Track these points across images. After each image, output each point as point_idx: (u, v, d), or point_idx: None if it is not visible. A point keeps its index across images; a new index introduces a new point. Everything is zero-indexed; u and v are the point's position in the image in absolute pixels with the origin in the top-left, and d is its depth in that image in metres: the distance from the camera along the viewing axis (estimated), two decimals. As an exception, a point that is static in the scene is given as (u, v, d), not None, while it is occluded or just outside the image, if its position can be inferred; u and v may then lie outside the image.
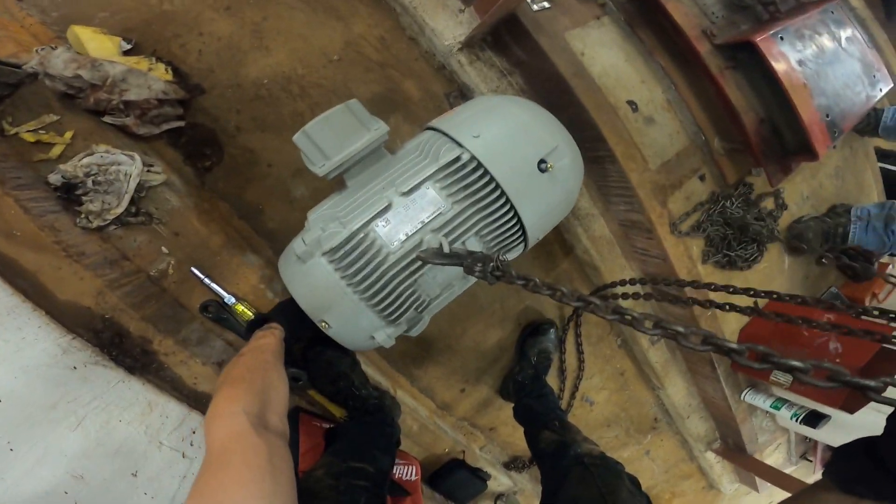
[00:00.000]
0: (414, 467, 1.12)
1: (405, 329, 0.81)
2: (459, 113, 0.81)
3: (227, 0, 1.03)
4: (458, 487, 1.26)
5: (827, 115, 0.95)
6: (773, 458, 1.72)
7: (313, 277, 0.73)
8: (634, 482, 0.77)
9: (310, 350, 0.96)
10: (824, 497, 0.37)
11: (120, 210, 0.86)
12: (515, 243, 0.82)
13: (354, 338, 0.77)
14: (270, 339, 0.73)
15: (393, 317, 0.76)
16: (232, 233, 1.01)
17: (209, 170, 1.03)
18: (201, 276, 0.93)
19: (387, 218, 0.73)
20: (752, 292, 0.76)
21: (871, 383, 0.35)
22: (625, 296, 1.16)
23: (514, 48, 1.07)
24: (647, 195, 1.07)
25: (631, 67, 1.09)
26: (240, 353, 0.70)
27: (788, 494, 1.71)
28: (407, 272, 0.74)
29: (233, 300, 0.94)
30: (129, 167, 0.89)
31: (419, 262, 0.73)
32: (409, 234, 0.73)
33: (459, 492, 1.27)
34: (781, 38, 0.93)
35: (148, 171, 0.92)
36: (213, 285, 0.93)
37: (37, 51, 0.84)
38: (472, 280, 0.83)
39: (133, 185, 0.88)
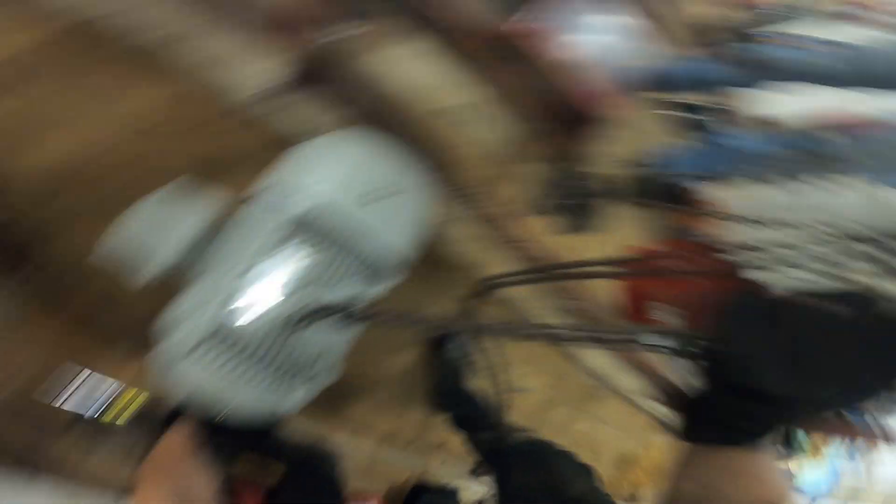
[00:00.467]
0: (373, 502, 1.10)
1: (310, 389, 0.74)
2: (287, 165, 0.82)
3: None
4: (430, 509, 1.23)
5: (602, 82, 1.11)
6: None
7: (191, 377, 0.66)
8: (568, 456, 0.78)
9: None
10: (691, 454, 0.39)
11: None
12: (387, 272, 0.83)
13: (259, 415, 0.70)
14: (176, 435, 0.67)
15: (289, 381, 0.70)
16: (83, 334, 0.95)
17: (27, 278, 0.93)
18: (66, 383, 0.92)
19: (245, 295, 0.70)
20: (611, 262, 0.74)
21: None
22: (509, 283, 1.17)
23: (321, 84, 1.09)
24: (486, 188, 1.14)
25: (436, 76, 1.18)
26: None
27: None
28: (283, 337, 0.70)
29: (108, 398, 0.92)
30: None
31: (290, 329, 0.69)
32: (274, 300, 0.68)
33: (434, 512, 1.24)
34: (534, 20, 1.09)
35: None
36: (79, 390, 0.91)
37: None
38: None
39: None
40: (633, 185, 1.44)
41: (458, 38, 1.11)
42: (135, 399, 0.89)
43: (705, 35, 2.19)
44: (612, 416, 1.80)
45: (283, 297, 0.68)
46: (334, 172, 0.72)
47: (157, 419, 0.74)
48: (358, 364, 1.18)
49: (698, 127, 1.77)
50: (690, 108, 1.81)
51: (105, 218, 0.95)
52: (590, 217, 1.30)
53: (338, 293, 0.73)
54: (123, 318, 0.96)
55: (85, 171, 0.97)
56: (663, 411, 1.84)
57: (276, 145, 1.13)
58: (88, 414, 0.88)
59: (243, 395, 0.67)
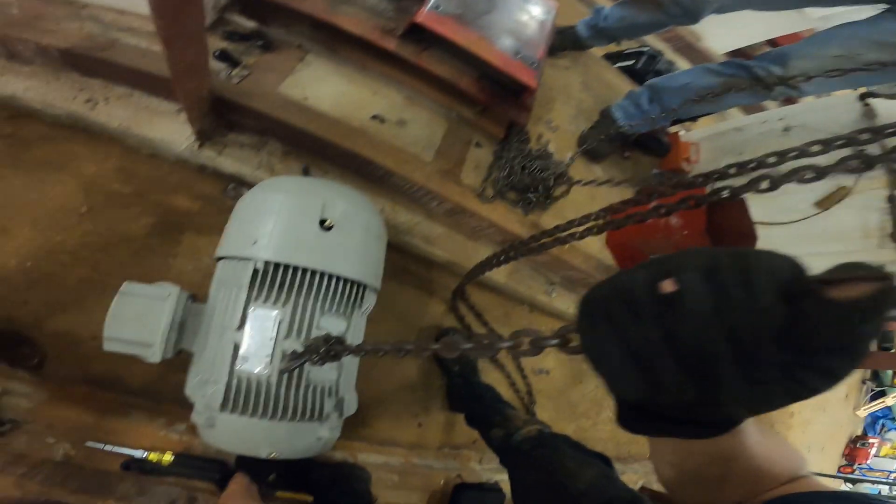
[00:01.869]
0: None
1: (339, 415, 0.85)
2: (229, 230, 0.85)
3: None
4: (475, 508, 1.22)
5: (517, 53, 1.11)
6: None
7: (230, 431, 0.77)
8: (579, 447, 0.76)
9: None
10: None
11: None
12: (361, 295, 0.85)
13: (303, 449, 0.82)
14: (234, 485, 0.83)
15: (317, 415, 0.80)
16: (103, 405, 0.96)
17: (40, 366, 0.95)
18: (101, 446, 0.91)
19: (243, 356, 0.76)
20: (589, 218, 0.75)
21: (554, 341, 0.31)
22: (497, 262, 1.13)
23: (245, 122, 1.10)
24: (439, 184, 1.13)
25: (357, 87, 1.18)
26: None
27: None
28: (294, 380, 0.78)
29: (142, 453, 0.92)
30: None
31: (281, 366, 0.76)
32: (269, 354, 0.76)
33: (480, 511, 1.23)
34: (438, 7, 1.08)
35: None
36: (117, 449, 0.91)
37: None
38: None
39: None
40: (597, 141, 1.42)
41: (370, 44, 1.11)
42: (161, 458, 0.92)
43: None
44: None
45: (272, 350, 0.74)
46: (271, 224, 0.77)
47: (222, 476, 0.88)
48: (366, 382, 1.13)
49: (642, 72, 1.75)
50: (629, 56, 1.80)
51: (83, 300, 0.96)
52: (550, 190, 1.28)
53: (322, 331, 0.77)
54: (137, 382, 0.98)
55: (52, 261, 0.97)
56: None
57: (223, 193, 1.15)
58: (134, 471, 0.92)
59: (281, 432, 0.75)
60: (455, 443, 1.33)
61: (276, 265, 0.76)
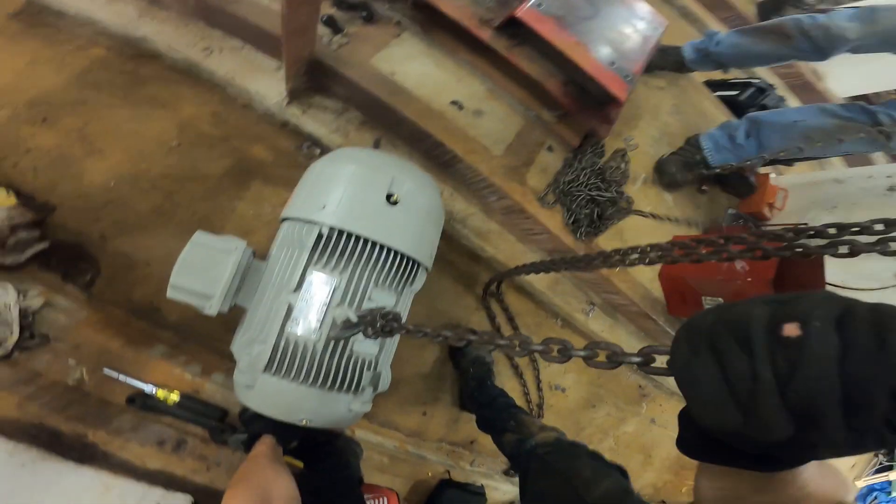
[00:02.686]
0: (386, 498, 1.07)
1: (373, 389, 0.86)
2: (299, 193, 0.88)
3: (42, 112, 1.05)
4: (453, 508, 1.21)
5: (612, 63, 1.06)
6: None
7: (269, 394, 0.79)
8: (597, 457, 0.74)
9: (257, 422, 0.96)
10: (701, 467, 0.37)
11: (15, 338, 0.89)
12: (415, 273, 0.87)
13: (335, 419, 0.84)
14: (262, 447, 0.82)
15: (353, 387, 0.82)
16: (133, 333, 1.01)
17: (92, 283, 1.02)
18: (116, 375, 0.95)
19: (294, 318, 0.78)
20: (650, 248, 0.70)
21: (637, 359, 0.35)
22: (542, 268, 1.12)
23: (334, 88, 1.15)
24: (502, 179, 1.12)
25: (443, 71, 1.19)
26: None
27: None
28: (339, 349, 0.80)
29: (153, 389, 0.96)
30: (5, 298, 0.90)
31: (331, 333, 0.78)
32: (320, 319, 0.78)
33: (457, 511, 1.22)
34: (540, 6, 1.05)
35: (24, 298, 0.92)
36: (130, 380, 0.95)
37: None
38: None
39: (16, 313, 0.90)
40: (675, 166, 1.33)
41: (465, 31, 1.11)
42: (168, 397, 0.96)
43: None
44: (665, 417, 1.63)
45: (333, 311, 0.76)
46: (341, 192, 0.80)
47: (250, 437, 0.88)
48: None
49: (745, 105, 1.61)
50: (734, 85, 1.65)
51: (151, 226, 1.06)
52: (606, 214, 1.22)
53: (373, 303, 0.80)
54: (172, 316, 1.05)
55: (133, 185, 1.07)
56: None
57: (297, 149, 1.23)
58: (137, 406, 0.95)
59: (316, 400, 0.77)
60: (454, 440, 1.33)
61: (340, 232, 0.77)
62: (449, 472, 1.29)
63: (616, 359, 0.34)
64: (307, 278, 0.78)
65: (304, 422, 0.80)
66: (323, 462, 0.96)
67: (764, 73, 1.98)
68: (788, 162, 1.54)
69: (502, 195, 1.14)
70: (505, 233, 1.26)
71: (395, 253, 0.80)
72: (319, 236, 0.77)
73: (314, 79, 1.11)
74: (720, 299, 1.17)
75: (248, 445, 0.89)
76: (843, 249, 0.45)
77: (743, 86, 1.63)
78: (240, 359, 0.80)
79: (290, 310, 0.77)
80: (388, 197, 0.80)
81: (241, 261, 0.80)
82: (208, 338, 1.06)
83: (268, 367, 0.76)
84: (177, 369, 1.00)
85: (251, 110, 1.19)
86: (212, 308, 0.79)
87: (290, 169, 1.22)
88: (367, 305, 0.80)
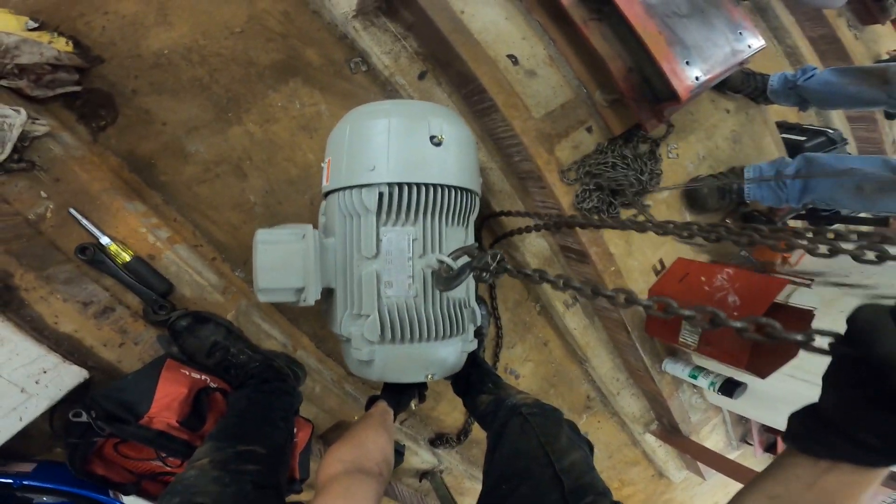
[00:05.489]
0: (305, 431, 1.04)
1: (472, 325, 0.89)
2: (340, 162, 0.84)
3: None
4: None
5: (687, 63, 1.00)
6: (712, 440, 1.67)
7: (388, 362, 0.81)
8: (573, 427, 0.77)
9: (187, 336, 0.96)
10: (790, 461, 0.36)
11: (2, 157, 0.88)
12: (473, 203, 0.88)
13: (452, 365, 0.86)
14: (374, 409, 0.90)
15: (460, 330, 0.84)
16: (118, 183, 1.02)
17: (103, 129, 1.07)
18: (79, 217, 0.93)
19: (386, 282, 0.79)
20: (671, 224, 0.67)
21: (738, 324, 0.36)
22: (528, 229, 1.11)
23: (402, 12, 1.14)
24: (532, 141, 1.11)
25: (511, 24, 1.15)
26: None
27: (733, 481, 1.58)
28: (437, 299, 0.81)
29: (108, 241, 0.94)
30: (13, 119, 0.91)
31: (441, 286, 0.77)
32: (410, 275, 0.79)
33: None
34: None
35: (33, 122, 0.93)
36: (90, 226, 0.94)
37: (-55, 31, 0.90)
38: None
39: (16, 134, 0.90)
40: (709, 189, 1.29)
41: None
42: (119, 255, 0.94)
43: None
44: (599, 436, 1.68)
45: (419, 264, 0.77)
46: (386, 149, 0.77)
47: (369, 398, 0.96)
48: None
49: (807, 148, 1.51)
50: (805, 131, 1.55)
51: (185, 93, 1.09)
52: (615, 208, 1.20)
53: (451, 241, 0.81)
54: (164, 177, 1.08)
55: (185, 56, 1.10)
56: (654, 446, 1.69)
57: (346, 62, 1.23)
58: (85, 258, 0.91)
59: (434, 351, 0.80)
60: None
61: (401, 186, 0.76)
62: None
63: (777, 334, 0.34)
64: (383, 239, 0.78)
65: (429, 377, 0.82)
66: (266, 383, 0.93)
67: (840, 126, 1.84)
68: (827, 219, 1.47)
69: (526, 157, 1.13)
70: (515, 198, 1.26)
71: (454, 189, 0.80)
72: (381, 196, 0.76)
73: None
74: (699, 329, 1.18)
75: (153, 306, 0.91)
76: (871, 256, 0.45)
77: (814, 133, 1.53)
78: (352, 336, 0.81)
79: (379, 277, 0.77)
80: (432, 138, 0.80)
81: (315, 243, 0.79)
82: (189, 208, 1.10)
83: (382, 337, 0.77)
84: (143, 229, 0.97)
85: (318, 17, 1.20)
86: (308, 299, 0.78)
87: (332, 77, 1.24)
88: (445, 248, 0.80)
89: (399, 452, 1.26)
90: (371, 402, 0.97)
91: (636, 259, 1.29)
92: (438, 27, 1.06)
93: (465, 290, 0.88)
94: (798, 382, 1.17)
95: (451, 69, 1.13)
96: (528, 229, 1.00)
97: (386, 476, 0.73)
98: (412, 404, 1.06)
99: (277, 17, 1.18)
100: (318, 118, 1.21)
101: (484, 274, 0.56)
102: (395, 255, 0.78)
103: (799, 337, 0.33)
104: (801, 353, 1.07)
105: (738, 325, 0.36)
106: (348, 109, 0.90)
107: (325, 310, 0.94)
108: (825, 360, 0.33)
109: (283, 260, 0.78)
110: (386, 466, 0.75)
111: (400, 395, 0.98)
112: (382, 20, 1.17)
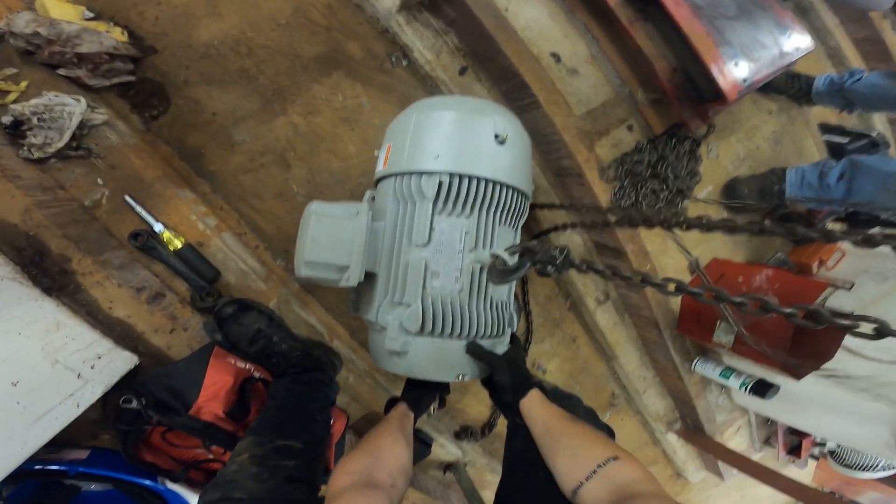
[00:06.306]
0: (334, 419, 1.05)
1: (510, 330, 0.87)
2: (402, 148, 0.83)
3: (183, -25, 1.11)
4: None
5: (735, 63, 0.99)
6: (735, 442, 1.67)
7: (423, 355, 0.79)
8: (592, 413, 0.77)
9: (231, 323, 0.96)
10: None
11: (61, 144, 0.91)
12: (524, 209, 0.88)
13: (483, 369, 0.84)
14: (393, 413, 0.84)
15: (500, 332, 0.81)
16: (170, 171, 1.06)
17: (155, 118, 1.10)
18: (133, 204, 0.97)
19: (433, 272, 0.76)
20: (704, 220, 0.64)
21: (788, 310, 0.37)
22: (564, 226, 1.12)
23: (445, 8, 1.14)
24: (572, 139, 1.11)
25: (554, 23, 1.15)
26: None
27: (755, 481, 1.58)
28: (482, 297, 0.79)
29: (161, 228, 0.97)
30: (73, 107, 0.95)
31: (486, 283, 0.77)
32: (459, 268, 0.77)
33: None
34: None
35: (92, 111, 0.98)
36: (143, 212, 0.97)
37: (6, 16, 0.93)
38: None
39: (75, 122, 0.94)
40: (749, 189, 1.28)
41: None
42: (172, 241, 0.96)
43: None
44: (621, 434, 1.68)
45: (468, 257, 0.76)
46: (452, 140, 0.78)
47: (389, 400, 0.92)
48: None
49: (850, 151, 1.48)
50: (848, 133, 1.51)
51: (232, 83, 1.12)
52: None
53: (500, 240, 0.80)
54: (212, 165, 1.11)
55: (233, 48, 1.13)
56: (675, 446, 1.70)
57: (387, 56, 1.24)
58: (137, 244, 0.93)
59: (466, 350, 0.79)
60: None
61: (461, 177, 0.76)
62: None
63: (825, 319, 0.35)
64: (435, 229, 0.76)
65: (460, 377, 0.79)
66: (306, 373, 0.94)
67: (882, 128, 1.79)
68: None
69: (566, 154, 1.14)
70: (552, 194, 1.26)
71: (510, 189, 0.80)
72: (440, 185, 0.75)
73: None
74: (734, 327, 1.17)
75: (201, 292, 0.91)
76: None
77: (857, 136, 1.49)
78: (388, 325, 0.78)
79: (426, 265, 0.75)
80: (496, 137, 0.80)
81: (368, 223, 0.77)
82: (235, 196, 1.13)
83: (422, 329, 0.74)
84: (193, 216, 1.00)
85: (361, 11, 1.21)
86: (352, 279, 0.76)
87: (373, 71, 1.25)
88: (495, 246, 0.79)
89: (427, 444, 1.28)
90: (390, 404, 0.93)
91: (671, 257, 1.29)
92: (483, 24, 1.07)
93: (508, 292, 0.86)
94: (829, 384, 1.16)
95: (492, 65, 1.14)
96: (573, 225, 1.01)
97: (400, 486, 0.68)
98: (431, 408, 1.00)
99: (321, 9, 1.20)
100: (359, 111, 1.23)
101: (549, 267, 0.56)
102: (446, 245, 0.76)
103: (846, 322, 0.34)
104: (837, 356, 1.06)
105: (788, 310, 0.38)
106: (389, 103, 0.90)
107: (354, 298, 0.93)
108: (859, 363, 0.34)
109: (333, 235, 0.76)
110: (401, 476, 0.70)
111: (421, 398, 0.92)
112: (425, 15, 1.18)
